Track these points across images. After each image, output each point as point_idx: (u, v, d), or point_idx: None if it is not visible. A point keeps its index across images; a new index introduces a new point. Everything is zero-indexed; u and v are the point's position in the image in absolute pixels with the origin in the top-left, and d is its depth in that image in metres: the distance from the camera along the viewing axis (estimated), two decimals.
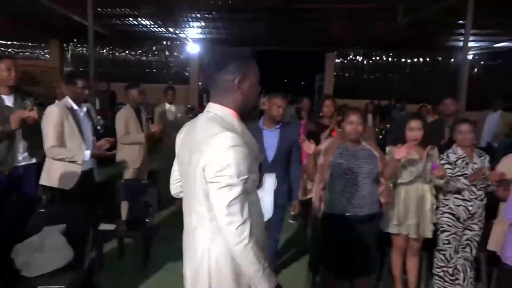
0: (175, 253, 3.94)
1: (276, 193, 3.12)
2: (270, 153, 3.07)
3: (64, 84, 3.64)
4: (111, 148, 3.38)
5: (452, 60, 13.97)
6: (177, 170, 1.69)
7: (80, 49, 14.71)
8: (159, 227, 4.45)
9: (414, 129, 3.00)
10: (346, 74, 14.96)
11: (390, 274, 3.30)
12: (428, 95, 13.32)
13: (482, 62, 14.39)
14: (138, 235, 3.63)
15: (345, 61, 14.90)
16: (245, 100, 1.52)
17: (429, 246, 3.28)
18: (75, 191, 3.17)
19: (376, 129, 8.80)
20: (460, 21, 7.31)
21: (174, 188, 1.76)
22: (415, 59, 14.75)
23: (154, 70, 15.14)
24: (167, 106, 5.18)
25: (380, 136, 7.46)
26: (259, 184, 1.68)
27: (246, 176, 1.40)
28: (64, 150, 3.12)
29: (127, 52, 15.15)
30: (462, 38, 6.74)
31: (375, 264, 2.84)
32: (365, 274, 2.81)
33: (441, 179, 2.95)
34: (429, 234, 3.07)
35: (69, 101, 3.25)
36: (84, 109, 3.35)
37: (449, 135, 3.56)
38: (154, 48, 15.08)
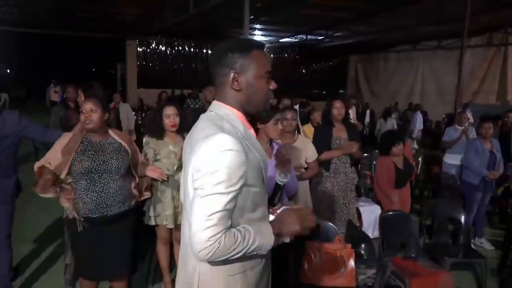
0: None
1: (2, 188, 2.75)
2: None
3: None
4: None
5: None
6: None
7: None
8: None
9: (170, 115, 2.95)
10: (150, 64, 14.63)
11: (158, 265, 3.20)
12: None
13: (271, 55, 16.11)
14: None
15: (148, 50, 14.55)
16: (246, 97, 1.31)
17: None
18: None
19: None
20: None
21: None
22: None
23: None
24: None
25: None
26: (276, 200, 1.48)
27: (236, 188, 1.21)
28: None
29: None
30: (253, 32, 7.18)
31: (128, 263, 2.64)
32: (118, 275, 2.62)
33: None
34: None
35: None
36: None
37: None
38: None
